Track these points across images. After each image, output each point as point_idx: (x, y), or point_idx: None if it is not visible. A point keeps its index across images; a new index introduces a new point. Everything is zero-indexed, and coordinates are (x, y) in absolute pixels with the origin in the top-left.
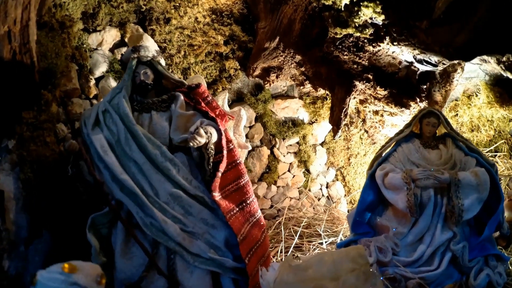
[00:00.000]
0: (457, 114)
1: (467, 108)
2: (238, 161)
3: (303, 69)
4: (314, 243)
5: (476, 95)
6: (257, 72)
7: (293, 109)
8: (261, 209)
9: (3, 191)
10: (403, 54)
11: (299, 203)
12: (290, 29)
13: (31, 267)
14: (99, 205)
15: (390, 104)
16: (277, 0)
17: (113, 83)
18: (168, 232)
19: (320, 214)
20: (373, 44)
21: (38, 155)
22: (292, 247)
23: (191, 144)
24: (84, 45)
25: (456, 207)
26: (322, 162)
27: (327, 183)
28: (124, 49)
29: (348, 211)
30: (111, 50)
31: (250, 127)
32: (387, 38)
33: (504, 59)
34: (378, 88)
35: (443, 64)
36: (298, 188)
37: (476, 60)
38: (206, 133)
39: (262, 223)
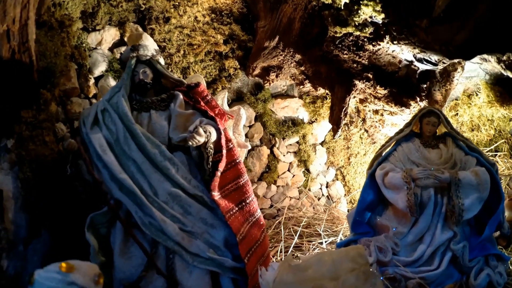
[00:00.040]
0: (457, 114)
1: (467, 108)
2: (237, 161)
3: (303, 68)
4: (314, 242)
5: (477, 94)
6: (257, 71)
7: (293, 108)
8: (260, 209)
9: (2, 190)
10: (403, 53)
11: (299, 202)
12: (290, 28)
13: (30, 266)
14: (98, 205)
15: (390, 103)
16: None
17: (112, 82)
18: (167, 232)
19: (320, 213)
20: (373, 43)
21: (37, 155)
22: (291, 247)
23: (190, 143)
24: (84, 44)
25: (457, 206)
26: (322, 162)
27: (327, 183)
28: (123, 48)
29: (348, 211)
30: (111, 49)
31: (250, 126)
32: (387, 37)
33: (505, 58)
34: (378, 87)
35: (443, 63)
36: (298, 188)
37: (476, 59)
38: (205, 132)
39: (261, 223)
